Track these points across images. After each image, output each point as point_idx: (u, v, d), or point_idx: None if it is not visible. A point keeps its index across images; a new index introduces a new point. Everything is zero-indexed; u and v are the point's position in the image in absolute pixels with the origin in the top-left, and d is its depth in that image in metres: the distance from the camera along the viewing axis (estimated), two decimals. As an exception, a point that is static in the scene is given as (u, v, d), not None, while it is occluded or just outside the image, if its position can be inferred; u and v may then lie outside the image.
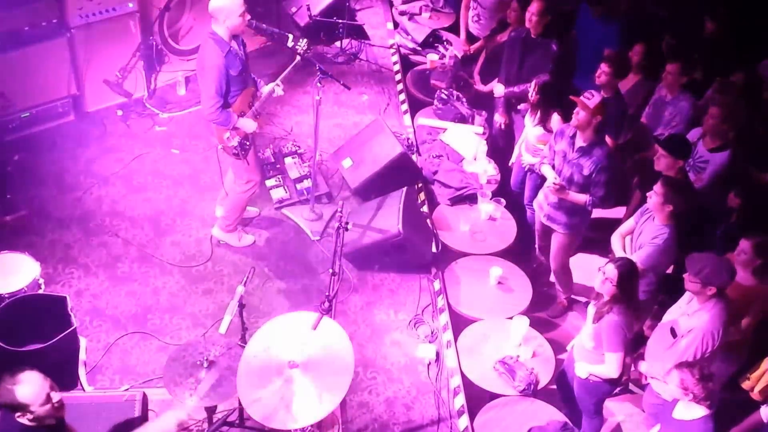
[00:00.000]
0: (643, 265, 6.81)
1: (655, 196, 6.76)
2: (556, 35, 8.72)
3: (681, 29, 9.41)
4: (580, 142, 7.34)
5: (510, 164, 9.00)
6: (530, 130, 8.29)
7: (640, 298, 6.93)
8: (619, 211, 8.81)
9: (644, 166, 8.23)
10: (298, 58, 7.41)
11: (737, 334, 6.67)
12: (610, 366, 6.31)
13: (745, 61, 8.92)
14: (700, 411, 5.58)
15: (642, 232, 7.02)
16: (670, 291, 7.11)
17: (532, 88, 8.13)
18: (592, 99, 7.13)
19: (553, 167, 7.60)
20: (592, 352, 6.45)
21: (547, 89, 8.07)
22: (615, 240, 7.36)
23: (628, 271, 6.15)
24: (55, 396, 4.65)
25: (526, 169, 8.47)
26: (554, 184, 7.40)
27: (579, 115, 7.18)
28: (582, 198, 7.42)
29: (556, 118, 8.13)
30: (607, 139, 7.98)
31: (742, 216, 7.31)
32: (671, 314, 6.60)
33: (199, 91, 7.35)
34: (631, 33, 9.11)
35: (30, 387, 4.56)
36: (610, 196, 7.49)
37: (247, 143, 7.41)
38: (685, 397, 5.55)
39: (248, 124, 7.31)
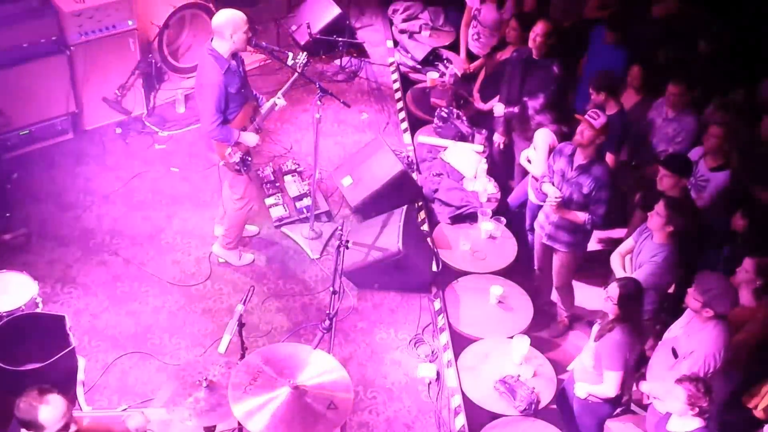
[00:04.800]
0: (643, 283, 6.79)
1: (656, 216, 6.76)
2: (561, 56, 8.74)
3: (678, 48, 9.44)
4: (579, 160, 7.32)
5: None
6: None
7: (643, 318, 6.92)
8: (620, 232, 8.78)
9: (645, 185, 8.21)
10: (296, 74, 7.41)
11: (732, 353, 6.62)
12: (607, 385, 6.28)
13: (742, 78, 8.91)
14: (695, 423, 5.57)
15: (641, 251, 7.00)
16: (671, 311, 7.07)
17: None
18: (598, 119, 7.12)
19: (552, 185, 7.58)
20: (591, 372, 6.42)
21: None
22: (615, 259, 7.35)
23: (630, 292, 6.14)
24: (72, 428, 4.63)
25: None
26: (555, 200, 7.38)
27: (584, 135, 7.16)
28: (582, 217, 7.40)
29: (541, 135, 8.12)
30: (609, 155, 7.98)
31: (749, 237, 7.26)
32: (672, 333, 6.58)
33: (198, 109, 7.34)
34: (635, 56, 9.10)
35: (54, 411, 4.56)
36: (609, 215, 7.47)
37: (249, 159, 7.40)
38: (691, 411, 5.51)
39: (250, 138, 7.31)
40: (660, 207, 6.74)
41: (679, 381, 5.58)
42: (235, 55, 7.13)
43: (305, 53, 7.46)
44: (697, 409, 5.49)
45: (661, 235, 6.83)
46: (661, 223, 6.74)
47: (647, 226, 6.97)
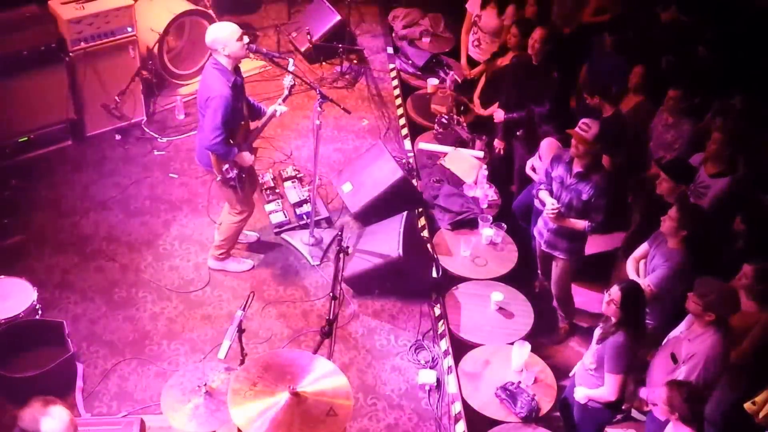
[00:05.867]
0: (656, 288, 6.78)
1: (669, 220, 6.73)
2: (561, 64, 8.74)
3: (678, 53, 9.43)
4: (577, 167, 7.30)
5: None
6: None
7: (655, 324, 6.90)
8: (619, 237, 8.76)
9: (644, 189, 8.19)
10: (286, 92, 7.39)
11: (734, 359, 6.60)
12: (608, 388, 6.25)
13: (741, 83, 8.90)
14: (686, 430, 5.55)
15: (655, 256, 6.98)
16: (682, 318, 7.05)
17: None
18: (589, 131, 7.10)
19: (551, 192, 7.56)
20: (592, 376, 6.40)
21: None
22: (629, 265, 7.31)
23: (632, 295, 6.11)
24: None
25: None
26: (553, 211, 7.36)
27: (578, 148, 7.14)
28: (581, 224, 7.38)
29: (546, 144, 8.12)
30: (605, 158, 7.96)
31: (749, 242, 7.24)
32: (671, 338, 6.55)
33: (201, 121, 7.24)
34: (636, 60, 9.09)
35: (56, 424, 4.50)
36: (609, 220, 7.45)
37: (244, 175, 7.39)
38: (671, 415, 5.50)
39: (246, 158, 7.31)
40: (673, 211, 6.72)
41: (668, 384, 5.58)
42: (237, 70, 7.12)
43: (291, 77, 7.42)
44: (677, 414, 5.48)
45: (674, 240, 6.81)
46: (674, 227, 6.72)
47: (661, 231, 6.95)
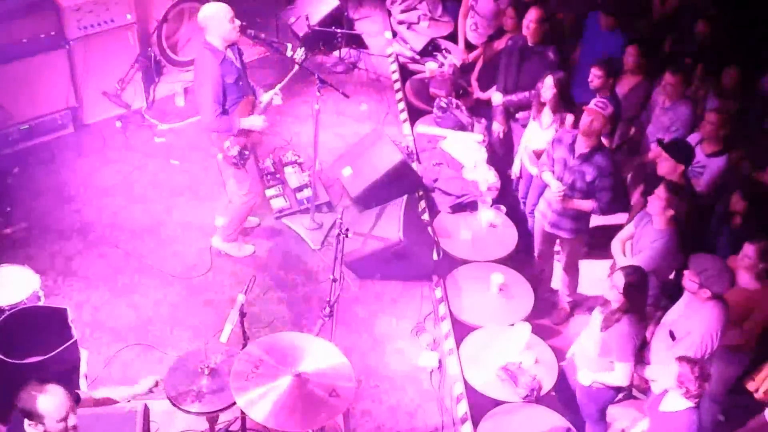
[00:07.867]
0: (644, 269, 6.79)
1: (657, 200, 6.75)
2: (556, 44, 8.74)
3: (679, 31, 9.41)
4: (581, 148, 7.30)
5: (514, 176, 8.93)
6: (538, 134, 8.20)
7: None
8: (621, 217, 8.78)
9: (645, 171, 8.21)
10: (297, 67, 7.42)
11: (740, 338, 6.63)
12: (620, 375, 6.27)
13: (738, 61, 8.88)
14: (685, 403, 5.57)
15: (642, 237, 7.00)
16: (673, 297, 7.06)
17: (548, 86, 7.99)
18: (606, 109, 7.13)
19: (553, 174, 7.57)
20: (597, 360, 6.41)
21: (565, 84, 8.01)
22: (615, 245, 7.34)
23: (636, 281, 6.12)
24: (72, 420, 4.61)
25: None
26: (559, 193, 7.36)
27: (593, 125, 7.14)
28: (588, 205, 7.38)
29: (569, 121, 8.12)
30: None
31: (748, 219, 7.25)
32: (670, 316, 6.59)
33: (197, 102, 7.34)
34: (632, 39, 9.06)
35: (53, 400, 4.53)
36: (615, 200, 7.46)
37: (246, 152, 7.40)
38: (679, 390, 5.52)
39: (255, 121, 7.30)
40: (660, 190, 6.73)
41: (680, 359, 5.60)
42: (231, 47, 7.14)
43: (303, 48, 7.45)
44: (685, 389, 5.50)
45: (661, 220, 6.82)
46: (662, 207, 6.73)
47: (647, 212, 6.97)
